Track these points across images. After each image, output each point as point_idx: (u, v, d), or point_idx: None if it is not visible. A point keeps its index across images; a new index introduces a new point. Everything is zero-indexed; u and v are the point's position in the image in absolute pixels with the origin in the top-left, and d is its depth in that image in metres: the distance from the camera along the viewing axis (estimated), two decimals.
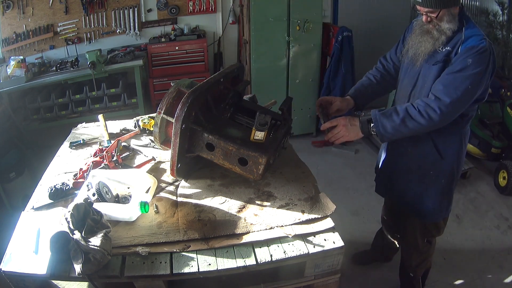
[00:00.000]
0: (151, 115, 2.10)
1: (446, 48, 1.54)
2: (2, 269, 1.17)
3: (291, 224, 1.33)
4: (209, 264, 1.19)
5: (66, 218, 1.19)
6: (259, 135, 1.42)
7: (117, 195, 1.47)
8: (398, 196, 1.93)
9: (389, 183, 1.96)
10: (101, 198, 1.36)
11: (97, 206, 1.29)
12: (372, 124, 1.55)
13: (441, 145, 1.68)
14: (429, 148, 1.70)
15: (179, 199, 1.48)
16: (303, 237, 1.28)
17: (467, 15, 1.58)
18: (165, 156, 1.77)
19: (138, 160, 1.76)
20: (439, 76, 1.53)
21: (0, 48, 3.94)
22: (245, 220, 1.35)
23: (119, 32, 4.09)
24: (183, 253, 1.23)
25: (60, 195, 1.48)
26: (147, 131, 1.99)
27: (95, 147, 1.84)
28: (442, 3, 1.47)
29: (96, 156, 1.71)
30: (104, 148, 1.74)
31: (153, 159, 1.74)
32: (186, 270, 1.17)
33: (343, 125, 1.58)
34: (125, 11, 4.02)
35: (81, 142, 1.93)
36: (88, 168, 1.59)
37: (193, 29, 4.16)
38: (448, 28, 1.52)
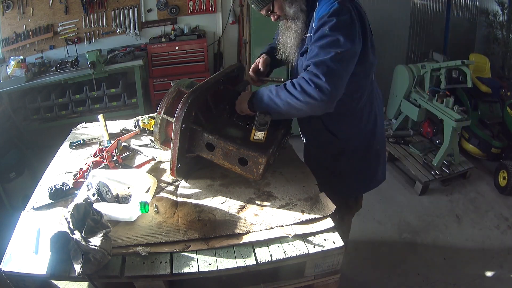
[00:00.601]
0: (151, 115, 2.10)
1: (308, 35, 1.45)
2: (2, 269, 1.17)
3: (291, 224, 1.33)
4: (209, 264, 1.19)
5: (66, 218, 1.19)
6: (259, 135, 1.42)
7: (117, 195, 1.47)
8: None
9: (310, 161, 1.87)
10: (101, 198, 1.36)
11: (97, 206, 1.29)
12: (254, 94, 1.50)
13: (331, 126, 1.65)
14: (321, 129, 1.67)
15: (179, 199, 1.48)
16: (303, 237, 1.28)
17: None
18: (165, 156, 1.77)
19: (138, 160, 1.76)
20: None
21: (0, 48, 3.94)
22: (245, 220, 1.35)
23: (119, 32, 4.09)
24: (183, 253, 1.22)
25: (60, 195, 1.48)
26: (147, 131, 1.99)
27: (95, 147, 1.84)
28: None
29: (96, 156, 1.71)
30: (104, 148, 1.74)
31: (153, 159, 1.74)
32: (186, 270, 1.17)
33: (240, 98, 1.54)
34: (125, 11, 4.02)
35: (81, 142, 1.93)
36: (88, 168, 1.59)
37: (193, 29, 4.16)
38: (295, 11, 1.46)
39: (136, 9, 4.03)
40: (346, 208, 1.94)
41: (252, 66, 1.79)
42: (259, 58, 1.78)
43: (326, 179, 1.65)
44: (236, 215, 1.38)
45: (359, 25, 1.37)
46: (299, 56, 1.56)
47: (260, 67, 1.76)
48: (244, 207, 1.43)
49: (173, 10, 4.11)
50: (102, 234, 1.17)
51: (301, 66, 1.53)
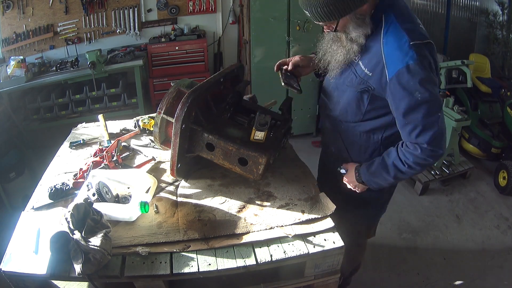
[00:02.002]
0: (151, 115, 2.10)
1: (361, 66, 1.32)
2: (2, 269, 1.17)
3: (291, 224, 1.33)
4: (209, 264, 1.19)
5: (66, 218, 1.19)
6: (259, 135, 1.42)
7: (117, 195, 1.47)
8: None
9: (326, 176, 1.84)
10: (101, 198, 1.36)
11: (97, 206, 1.29)
12: (366, 184, 1.48)
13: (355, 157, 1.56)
14: (340, 146, 1.59)
15: (179, 199, 1.48)
16: (303, 237, 1.28)
17: (389, 4, 1.25)
18: (165, 156, 1.77)
19: (138, 160, 1.76)
20: (359, 102, 1.39)
21: (0, 48, 3.94)
22: (245, 220, 1.35)
23: (119, 32, 4.09)
24: (183, 253, 1.22)
25: (60, 195, 1.48)
26: (147, 131, 1.99)
27: (95, 147, 1.84)
28: (337, 13, 1.18)
29: (96, 156, 1.71)
30: (104, 148, 1.74)
31: (153, 159, 1.74)
32: (186, 270, 1.17)
33: (349, 185, 1.56)
34: (125, 11, 4.02)
35: (81, 142, 1.93)
36: (88, 168, 1.59)
37: (193, 29, 4.16)
38: (357, 35, 1.27)
39: (136, 9, 4.03)
40: (365, 232, 1.93)
41: (287, 60, 1.66)
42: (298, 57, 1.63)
43: (355, 205, 1.64)
44: (236, 215, 1.38)
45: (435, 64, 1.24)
46: (339, 76, 1.44)
47: (293, 65, 1.64)
48: (244, 207, 1.43)
49: (173, 10, 4.11)
50: (102, 234, 1.17)
51: (341, 90, 1.46)
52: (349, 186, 1.56)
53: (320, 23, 1.29)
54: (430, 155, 1.26)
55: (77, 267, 1.11)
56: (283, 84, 1.57)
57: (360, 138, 1.50)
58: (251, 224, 1.33)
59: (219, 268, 1.17)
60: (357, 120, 1.45)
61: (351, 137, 1.52)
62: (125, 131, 2.02)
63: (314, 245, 1.25)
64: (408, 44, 1.17)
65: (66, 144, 1.95)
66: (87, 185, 1.42)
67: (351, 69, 1.38)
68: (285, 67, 1.63)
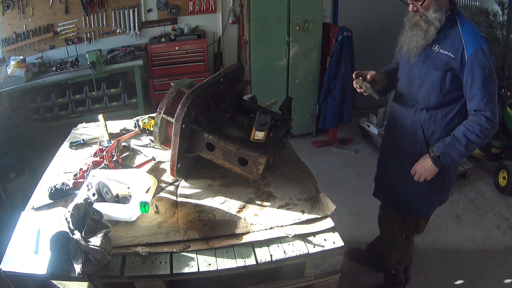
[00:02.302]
0: (151, 115, 2.10)
1: (447, 52, 1.57)
2: (2, 269, 1.17)
3: (291, 224, 1.33)
4: (209, 264, 1.19)
5: (66, 218, 1.19)
6: (259, 135, 1.42)
7: (117, 195, 1.47)
8: (391, 195, 1.99)
9: (384, 182, 2.03)
10: (101, 198, 1.36)
11: (97, 206, 1.29)
12: (441, 158, 1.64)
13: (430, 137, 1.74)
14: (419, 139, 1.75)
15: (179, 199, 1.48)
16: (303, 237, 1.28)
17: (458, 10, 1.61)
18: (165, 156, 1.77)
19: (138, 160, 1.76)
20: (442, 83, 1.61)
21: (0, 48, 3.94)
22: (245, 220, 1.35)
23: (119, 32, 4.09)
24: (183, 253, 1.22)
25: (60, 195, 1.48)
26: (147, 131, 1.99)
27: (95, 147, 1.84)
28: None
29: (96, 156, 1.71)
30: (104, 148, 1.74)
31: (153, 159, 1.74)
32: (186, 270, 1.17)
33: (420, 170, 1.72)
34: (125, 11, 4.02)
35: (81, 142, 1.93)
36: (88, 168, 1.59)
37: (193, 29, 4.16)
38: (435, 17, 1.54)
39: (136, 9, 4.03)
40: (414, 226, 2.04)
41: (365, 73, 1.80)
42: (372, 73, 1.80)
43: (406, 197, 1.87)
44: (236, 215, 1.38)
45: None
46: (420, 61, 1.65)
47: (370, 78, 1.78)
48: (244, 207, 1.43)
49: (173, 10, 4.11)
50: (102, 234, 1.17)
51: (422, 75, 1.67)
52: (418, 176, 1.73)
53: (409, 1, 1.58)
54: (491, 124, 1.55)
55: (77, 267, 1.11)
56: (366, 90, 1.74)
57: (441, 123, 1.69)
58: (251, 224, 1.33)
59: (219, 268, 1.17)
60: (439, 103, 1.66)
61: (432, 126, 1.71)
62: (125, 131, 2.03)
63: (314, 245, 1.25)
64: (480, 34, 1.52)
65: (66, 144, 1.95)
66: (87, 185, 1.42)
67: (433, 56, 1.61)
68: (364, 78, 1.79)
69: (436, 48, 1.60)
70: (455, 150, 1.61)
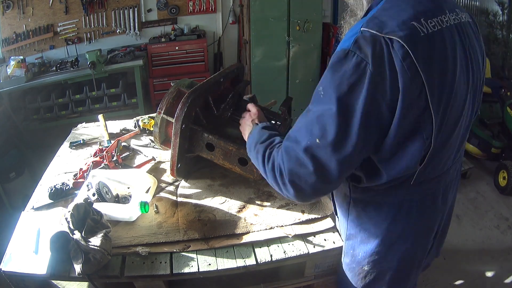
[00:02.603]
0: (151, 115, 2.10)
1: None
2: (2, 269, 1.17)
3: (291, 224, 1.33)
4: (209, 264, 1.18)
5: (66, 218, 1.19)
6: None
7: (117, 195, 1.47)
8: None
9: None
10: (101, 198, 1.36)
11: (97, 206, 1.29)
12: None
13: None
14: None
15: (179, 199, 1.48)
16: (303, 237, 1.28)
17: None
18: (165, 156, 1.77)
19: (138, 160, 1.76)
20: None
21: (0, 48, 3.94)
22: (245, 220, 1.35)
23: (119, 32, 4.09)
24: (183, 253, 1.22)
25: (60, 195, 1.48)
26: (147, 131, 1.99)
27: (95, 147, 1.84)
28: None
29: (96, 156, 1.71)
30: (104, 148, 1.74)
31: (153, 159, 1.74)
32: (186, 270, 1.17)
33: (251, 114, 1.33)
34: (125, 11, 4.02)
35: (81, 142, 1.93)
36: (88, 168, 1.59)
37: (193, 29, 4.16)
38: (352, 3, 1.05)
39: (136, 9, 4.03)
40: None
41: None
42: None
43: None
44: (236, 215, 1.38)
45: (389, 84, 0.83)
46: None
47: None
48: (244, 207, 1.43)
49: (173, 10, 4.11)
50: (102, 234, 1.17)
51: None
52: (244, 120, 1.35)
53: None
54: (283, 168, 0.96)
55: (77, 267, 1.11)
56: None
57: None
58: (251, 224, 1.33)
59: (219, 268, 1.17)
60: None
61: None
62: (125, 131, 2.02)
63: (314, 245, 1.25)
64: (358, 30, 0.86)
65: (66, 144, 1.95)
66: (87, 185, 1.42)
67: None
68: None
69: None
70: (254, 141, 1.15)
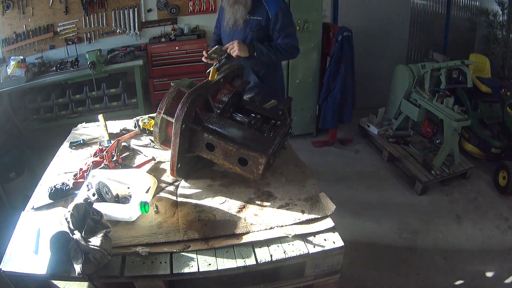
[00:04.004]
0: (151, 115, 2.10)
1: (256, 17, 2.20)
2: (2, 269, 1.17)
3: (291, 224, 1.33)
4: (209, 264, 1.19)
5: (66, 218, 1.19)
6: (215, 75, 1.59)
7: (117, 195, 1.47)
8: None
9: None
10: (101, 198, 1.36)
11: (97, 206, 1.29)
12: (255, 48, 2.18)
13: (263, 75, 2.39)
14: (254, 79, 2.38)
15: (179, 199, 1.48)
16: (303, 237, 1.28)
17: None
18: (165, 156, 1.77)
19: (138, 160, 1.76)
20: (260, 37, 2.23)
21: (0, 48, 3.94)
22: (245, 220, 1.35)
23: (119, 32, 4.09)
24: (183, 253, 1.23)
25: (60, 195, 1.48)
26: (147, 131, 1.99)
27: (95, 147, 1.84)
28: None
29: (96, 156, 1.71)
30: (104, 148, 1.74)
31: (153, 159, 1.74)
32: (186, 270, 1.17)
33: (238, 42, 2.13)
34: (125, 11, 4.02)
35: (81, 142, 1.93)
36: (88, 168, 1.59)
37: (193, 29, 4.16)
38: None
39: (136, 9, 4.03)
40: None
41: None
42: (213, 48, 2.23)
43: None
44: (236, 215, 1.38)
45: None
46: (244, 27, 2.23)
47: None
48: (244, 207, 1.43)
49: (173, 10, 4.11)
50: (102, 234, 1.17)
51: (245, 36, 2.24)
52: (234, 45, 2.14)
53: None
54: (296, 48, 2.29)
55: (77, 267, 1.11)
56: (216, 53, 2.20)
57: (264, 62, 2.33)
58: (251, 224, 1.33)
59: (219, 268, 1.17)
60: None
61: (259, 67, 2.36)
62: (125, 131, 2.03)
63: (314, 245, 1.25)
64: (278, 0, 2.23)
65: (66, 144, 1.95)
66: (87, 185, 1.42)
67: (250, 22, 2.23)
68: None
69: (248, 16, 2.20)
70: (266, 50, 2.20)
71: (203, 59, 2.23)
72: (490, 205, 3.06)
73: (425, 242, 2.66)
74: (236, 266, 1.18)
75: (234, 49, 2.12)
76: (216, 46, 2.20)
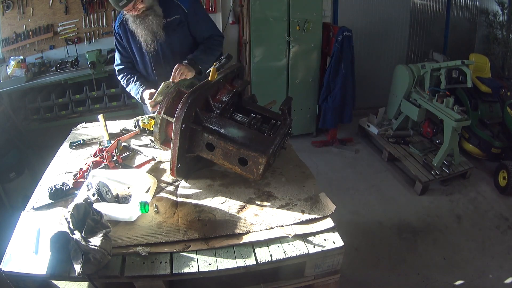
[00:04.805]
0: (151, 115, 2.10)
1: (173, 17, 2.08)
2: (2, 269, 1.17)
3: (291, 224, 1.33)
4: (209, 264, 1.19)
5: (66, 218, 1.19)
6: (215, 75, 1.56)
7: (117, 195, 1.47)
8: None
9: None
10: (101, 198, 1.36)
11: (97, 206, 1.29)
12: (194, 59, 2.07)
13: None
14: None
15: (179, 199, 1.48)
16: (303, 237, 1.28)
17: None
18: (165, 156, 1.77)
19: (138, 160, 1.76)
20: (186, 37, 2.16)
21: (0, 48, 3.94)
22: (245, 220, 1.35)
23: None
24: (183, 253, 1.22)
25: (60, 195, 1.48)
26: (147, 131, 1.99)
27: (95, 147, 1.84)
28: None
29: (96, 156, 1.71)
30: (104, 148, 1.74)
31: (153, 159, 1.74)
32: (186, 270, 1.17)
33: (180, 64, 1.99)
34: None
35: (81, 142, 1.93)
36: (88, 168, 1.59)
37: None
38: (151, 2, 1.98)
39: None
40: None
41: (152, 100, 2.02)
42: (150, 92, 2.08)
43: None
44: (236, 215, 1.38)
45: None
46: (165, 36, 2.08)
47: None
48: (244, 207, 1.43)
49: None
50: (102, 234, 1.17)
51: (170, 42, 2.12)
52: (179, 69, 1.99)
53: (129, 7, 1.91)
54: (222, 37, 2.29)
55: (77, 267, 1.11)
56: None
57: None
58: (251, 224, 1.33)
59: (219, 268, 1.17)
60: (193, 47, 2.21)
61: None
62: (125, 131, 2.03)
63: (314, 245, 1.25)
64: None
65: (66, 144, 1.95)
66: (87, 185, 1.42)
67: (169, 25, 2.09)
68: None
69: (165, 20, 2.06)
70: (202, 56, 2.12)
71: (151, 108, 2.00)
72: (490, 205, 3.06)
73: (425, 242, 2.66)
74: (236, 266, 1.18)
75: (183, 73, 1.97)
76: (161, 85, 1.87)
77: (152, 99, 1.95)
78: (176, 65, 1.99)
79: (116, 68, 2.27)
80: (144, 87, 2.13)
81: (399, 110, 3.82)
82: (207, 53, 2.15)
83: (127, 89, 2.23)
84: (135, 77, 2.20)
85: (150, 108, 2.01)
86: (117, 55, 2.26)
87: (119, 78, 2.27)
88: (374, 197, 3.18)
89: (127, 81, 2.21)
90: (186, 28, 2.14)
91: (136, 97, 2.18)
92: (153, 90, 2.04)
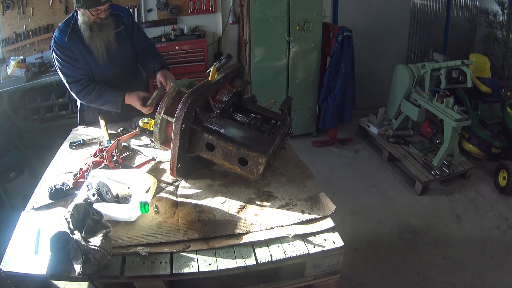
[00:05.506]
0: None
1: (120, 28, 2.08)
2: (2, 269, 1.17)
3: (291, 224, 1.33)
4: (209, 264, 1.19)
5: (66, 218, 1.19)
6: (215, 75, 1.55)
7: (117, 195, 1.47)
8: None
9: None
10: (101, 198, 1.36)
11: (97, 206, 1.29)
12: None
13: None
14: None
15: (179, 199, 1.48)
16: (303, 237, 1.28)
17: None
18: (165, 156, 1.77)
19: (138, 160, 1.76)
20: (129, 46, 2.16)
21: (0, 48, 3.94)
22: (245, 220, 1.35)
23: None
24: (183, 253, 1.22)
25: (60, 195, 1.48)
26: (147, 131, 1.99)
27: (95, 147, 1.84)
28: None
29: (96, 156, 1.71)
30: (104, 148, 1.74)
31: (153, 159, 1.74)
32: (186, 270, 1.17)
33: (164, 71, 2.10)
34: None
35: (81, 142, 1.93)
36: (88, 168, 1.59)
37: (193, 29, 4.16)
38: (107, 12, 1.98)
39: (136, 9, 4.03)
40: None
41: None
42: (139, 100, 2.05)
43: None
44: (236, 215, 1.38)
45: None
46: (118, 45, 2.08)
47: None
48: (244, 207, 1.43)
49: (173, 10, 4.11)
50: (102, 234, 1.17)
51: (125, 50, 2.15)
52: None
53: (101, 7, 1.89)
54: (155, 46, 2.36)
55: (77, 267, 1.11)
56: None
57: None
58: (251, 224, 1.33)
59: (219, 268, 1.17)
60: (133, 52, 2.24)
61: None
62: (125, 131, 2.02)
63: (314, 245, 1.25)
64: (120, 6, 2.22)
65: (66, 144, 1.95)
66: (87, 185, 1.42)
67: (119, 36, 2.09)
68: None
69: (117, 28, 2.07)
70: (162, 58, 2.27)
71: (145, 112, 2.00)
72: (490, 205, 3.06)
73: (425, 242, 2.66)
74: (236, 266, 1.18)
75: (170, 77, 2.05)
76: (155, 92, 1.95)
77: (147, 104, 1.98)
78: (159, 74, 2.08)
79: (76, 85, 2.03)
80: (124, 91, 2.06)
81: (399, 110, 3.82)
82: (162, 57, 2.26)
83: (100, 101, 2.06)
84: (104, 86, 2.06)
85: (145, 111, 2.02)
86: (70, 72, 2.01)
87: (83, 93, 2.03)
88: (374, 197, 3.18)
89: (98, 91, 2.03)
90: (129, 39, 2.16)
91: (117, 103, 2.05)
92: (141, 93, 2.05)
